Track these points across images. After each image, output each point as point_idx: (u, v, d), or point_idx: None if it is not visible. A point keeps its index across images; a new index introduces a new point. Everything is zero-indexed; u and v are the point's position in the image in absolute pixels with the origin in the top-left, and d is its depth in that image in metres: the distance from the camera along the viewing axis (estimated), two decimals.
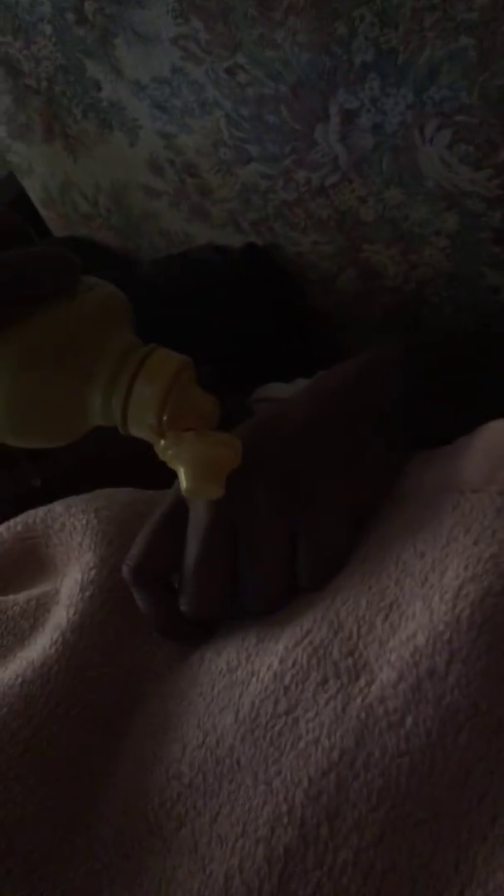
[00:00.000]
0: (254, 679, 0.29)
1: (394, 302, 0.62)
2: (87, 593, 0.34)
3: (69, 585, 0.36)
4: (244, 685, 0.29)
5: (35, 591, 0.37)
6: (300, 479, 0.32)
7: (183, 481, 0.29)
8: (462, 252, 0.55)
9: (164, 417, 0.28)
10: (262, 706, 0.28)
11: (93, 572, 0.35)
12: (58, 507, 0.39)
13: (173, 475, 0.30)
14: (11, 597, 0.37)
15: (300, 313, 0.67)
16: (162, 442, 0.29)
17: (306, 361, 0.59)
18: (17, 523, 0.40)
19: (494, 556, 0.27)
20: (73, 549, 0.37)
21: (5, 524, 0.40)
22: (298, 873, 0.24)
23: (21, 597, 0.37)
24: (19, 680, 0.32)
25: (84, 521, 0.37)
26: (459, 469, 0.31)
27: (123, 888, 0.27)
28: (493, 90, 0.45)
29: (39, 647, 0.33)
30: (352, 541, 0.32)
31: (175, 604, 0.32)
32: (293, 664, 0.28)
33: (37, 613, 0.36)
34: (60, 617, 0.34)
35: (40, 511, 0.39)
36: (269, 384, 0.61)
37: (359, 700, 0.26)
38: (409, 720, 0.25)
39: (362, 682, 0.27)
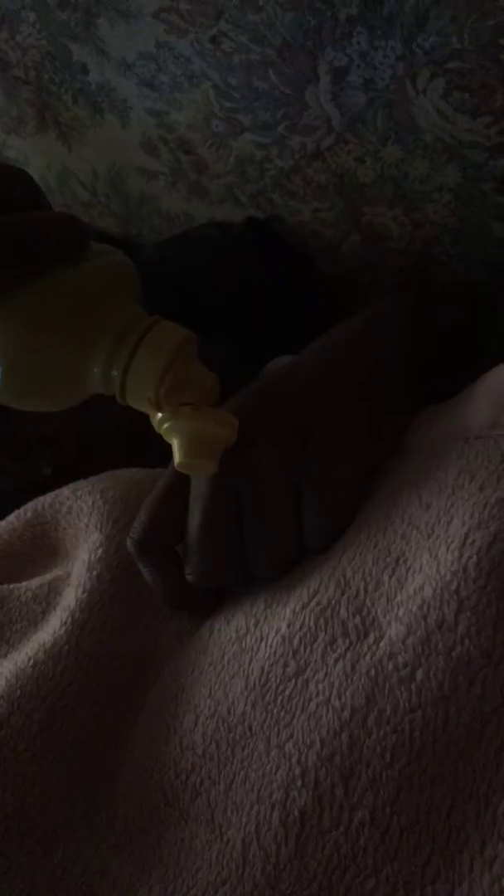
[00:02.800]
0: (262, 644, 0.28)
1: (402, 264, 0.61)
2: (95, 572, 0.34)
3: (78, 566, 0.36)
4: (253, 651, 0.29)
5: (48, 576, 0.37)
6: (304, 437, 0.31)
7: (176, 456, 0.29)
8: (467, 206, 0.53)
9: (163, 391, 0.28)
10: (272, 671, 0.27)
11: (100, 551, 0.35)
12: (65, 491, 0.39)
13: None
14: (25, 583, 0.37)
15: (307, 284, 0.66)
16: (159, 415, 0.29)
17: (316, 333, 0.58)
18: (26, 510, 0.40)
19: (501, 500, 0.26)
20: (81, 530, 0.37)
21: (16, 512, 0.40)
22: (315, 835, 0.24)
23: (34, 582, 0.37)
24: (31, 662, 0.31)
25: (90, 502, 0.37)
26: (463, 416, 0.30)
27: (144, 861, 0.27)
28: (483, 31, 0.43)
29: (50, 628, 0.33)
30: (359, 498, 0.32)
31: (181, 574, 0.32)
32: (301, 626, 0.28)
33: (49, 597, 0.36)
34: (70, 598, 0.34)
35: (48, 496, 0.39)
36: (280, 357, 0.60)
37: (368, 657, 0.25)
38: (419, 674, 0.24)
39: (371, 639, 0.26)
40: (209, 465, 0.29)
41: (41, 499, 0.39)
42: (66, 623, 0.32)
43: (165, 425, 0.29)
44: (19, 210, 0.28)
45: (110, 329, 0.28)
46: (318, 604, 0.28)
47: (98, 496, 0.37)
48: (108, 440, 0.48)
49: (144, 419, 0.30)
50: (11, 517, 0.40)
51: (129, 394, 0.28)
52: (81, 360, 0.28)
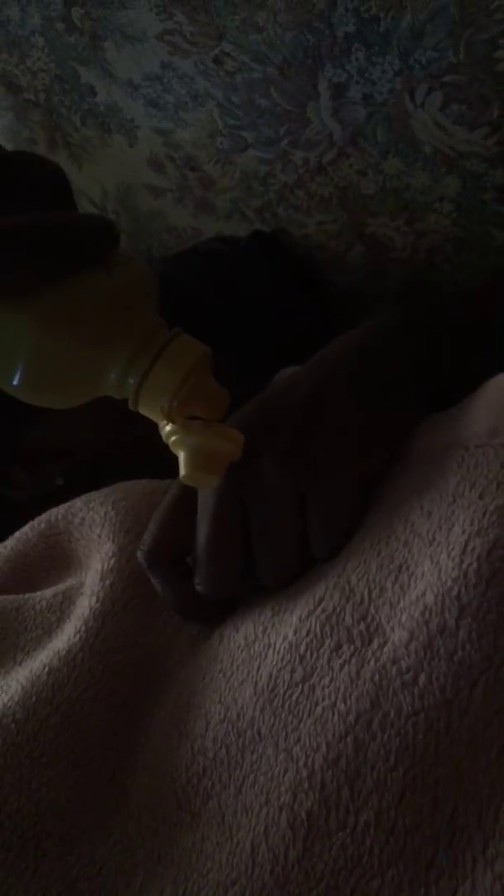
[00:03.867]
0: (270, 651, 0.29)
1: (405, 274, 0.61)
2: (108, 582, 0.35)
3: (91, 576, 0.36)
4: (261, 658, 0.29)
5: (62, 586, 0.38)
6: (307, 449, 0.32)
7: (182, 468, 0.30)
8: (467, 215, 0.54)
9: (176, 403, 0.28)
10: (280, 676, 0.28)
11: (112, 561, 0.35)
12: (78, 502, 0.40)
13: None
14: (39, 593, 0.38)
15: (314, 296, 0.67)
16: (168, 426, 0.30)
17: (324, 344, 0.59)
18: (40, 521, 0.41)
19: (500, 507, 0.26)
20: (94, 541, 0.38)
21: (30, 523, 0.41)
22: (322, 837, 0.24)
23: (48, 592, 0.38)
24: (46, 669, 0.32)
25: (102, 514, 0.38)
26: (463, 425, 0.31)
27: (156, 863, 0.28)
28: (478, 45, 0.44)
29: (65, 636, 0.34)
30: (362, 507, 0.32)
31: (191, 584, 0.33)
32: (307, 633, 0.28)
33: (63, 606, 0.37)
34: (84, 607, 0.35)
35: (62, 508, 0.40)
36: (289, 368, 0.61)
37: (372, 663, 0.26)
38: (422, 678, 0.25)
39: (375, 644, 0.27)
40: (212, 479, 0.30)
41: (55, 510, 0.40)
42: (80, 631, 0.33)
43: (174, 437, 0.30)
44: (52, 206, 0.28)
45: (132, 336, 0.28)
46: (323, 611, 0.29)
47: (110, 507, 0.38)
48: (120, 453, 0.49)
49: (156, 434, 0.31)
50: (26, 528, 0.41)
51: (142, 402, 0.29)
52: (100, 363, 0.28)
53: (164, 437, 0.30)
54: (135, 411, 0.30)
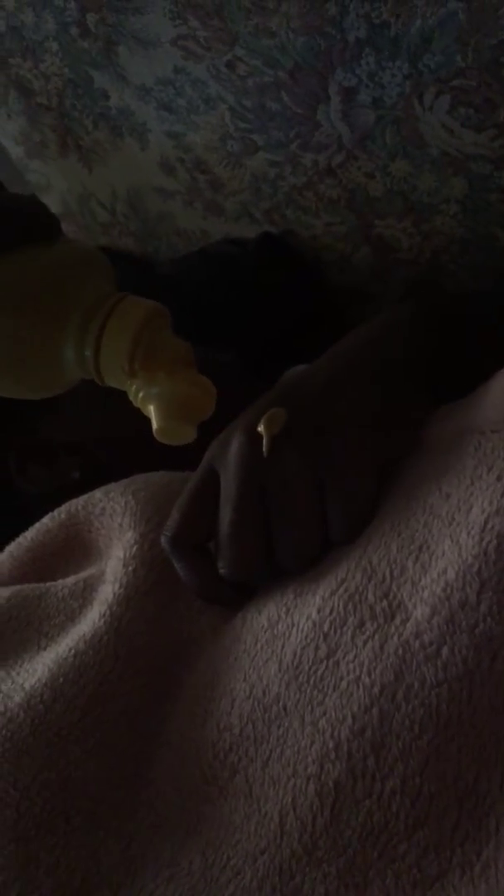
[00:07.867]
0: (294, 630, 0.30)
1: (412, 275, 0.63)
2: (131, 568, 0.36)
3: (113, 563, 0.37)
4: (285, 637, 0.30)
5: (82, 574, 0.39)
6: (326, 436, 0.33)
7: (154, 422, 0.29)
8: (473, 217, 0.55)
9: (136, 364, 0.28)
10: (304, 654, 0.29)
11: (134, 548, 0.36)
12: (97, 493, 0.41)
13: None
14: (60, 581, 0.39)
15: (321, 296, 0.68)
16: (133, 386, 0.29)
17: (329, 343, 0.60)
18: (60, 512, 0.41)
19: None
20: (115, 530, 0.39)
21: (49, 514, 0.42)
22: (349, 805, 0.25)
23: (69, 580, 0.39)
24: (72, 652, 0.33)
25: (123, 503, 0.39)
26: (479, 411, 0.32)
27: (184, 836, 0.29)
28: (485, 50, 0.45)
29: (89, 621, 0.35)
30: (380, 492, 0.33)
31: (214, 569, 0.34)
32: (331, 612, 0.29)
33: (84, 593, 0.37)
34: (107, 592, 0.36)
35: (82, 499, 0.41)
36: (296, 367, 0.61)
37: (395, 638, 0.27)
38: (444, 651, 0.26)
39: (398, 620, 0.28)
40: (188, 429, 0.29)
41: (74, 501, 0.41)
42: (104, 616, 0.34)
43: (141, 394, 0.29)
44: None
45: (79, 307, 0.28)
46: (346, 590, 0.29)
47: (130, 497, 0.39)
48: (135, 446, 0.49)
49: None
50: (45, 519, 0.41)
51: (104, 372, 0.28)
52: (54, 340, 0.28)
53: (132, 399, 0.29)
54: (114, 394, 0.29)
